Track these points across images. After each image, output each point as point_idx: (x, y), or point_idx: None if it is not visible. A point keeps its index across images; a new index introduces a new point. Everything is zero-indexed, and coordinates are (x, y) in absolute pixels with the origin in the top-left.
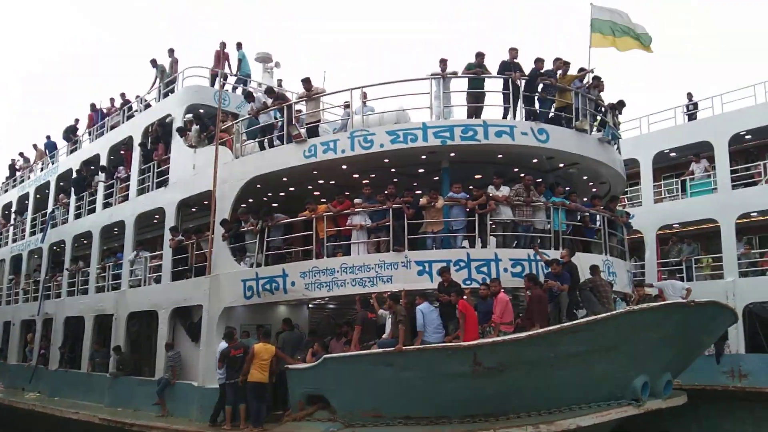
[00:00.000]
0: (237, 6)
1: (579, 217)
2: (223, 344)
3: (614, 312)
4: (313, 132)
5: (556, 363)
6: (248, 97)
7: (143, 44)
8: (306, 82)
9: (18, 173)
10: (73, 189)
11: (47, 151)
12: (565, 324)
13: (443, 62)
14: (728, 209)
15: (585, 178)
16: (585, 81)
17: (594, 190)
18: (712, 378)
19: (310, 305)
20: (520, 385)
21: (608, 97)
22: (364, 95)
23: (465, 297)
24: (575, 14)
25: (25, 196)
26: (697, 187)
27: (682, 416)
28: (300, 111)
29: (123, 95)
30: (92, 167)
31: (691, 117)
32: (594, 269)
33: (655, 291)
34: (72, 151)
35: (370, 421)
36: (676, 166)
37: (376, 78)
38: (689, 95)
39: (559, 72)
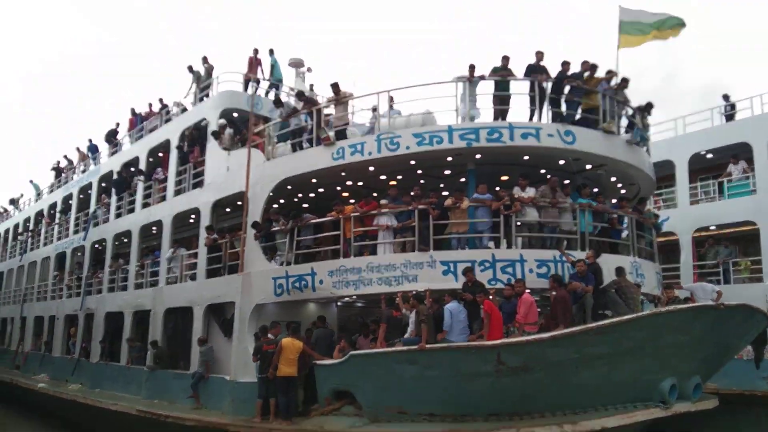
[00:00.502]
0: (237, 6)
1: (606, 219)
2: None
3: (640, 314)
4: (341, 135)
5: (581, 364)
6: (277, 103)
7: (143, 44)
8: (335, 86)
9: (63, 175)
10: (114, 189)
11: (90, 154)
12: (589, 325)
13: (472, 68)
14: None
15: (613, 179)
16: (612, 83)
17: (623, 191)
18: (751, 383)
19: (338, 303)
20: (544, 385)
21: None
22: (391, 99)
23: (490, 297)
24: (574, 14)
25: (69, 197)
26: (734, 189)
27: (718, 422)
28: (329, 115)
29: (161, 100)
30: (132, 169)
31: (729, 118)
32: (619, 271)
33: (686, 293)
34: (113, 154)
35: (394, 417)
36: (712, 167)
37: (377, 77)
38: (725, 96)
39: (586, 74)
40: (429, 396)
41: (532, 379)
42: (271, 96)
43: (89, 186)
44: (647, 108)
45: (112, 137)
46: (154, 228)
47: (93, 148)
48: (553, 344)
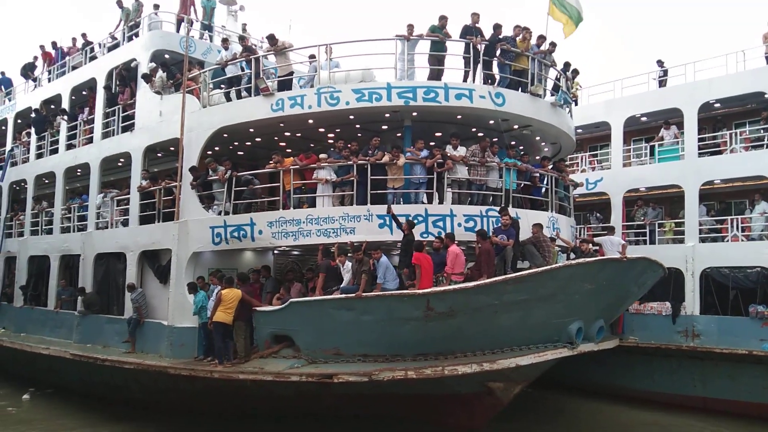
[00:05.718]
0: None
1: (528, 177)
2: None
3: (554, 265)
4: (284, 85)
5: (501, 309)
6: (224, 42)
7: None
8: (271, 38)
9: None
10: (33, 128)
11: (2, 87)
12: (509, 275)
13: (410, 27)
14: (693, 176)
15: (537, 138)
16: (542, 47)
17: (546, 150)
18: (668, 337)
19: (275, 251)
20: (468, 329)
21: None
22: (330, 51)
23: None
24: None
25: None
26: (665, 153)
27: (637, 371)
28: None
29: (84, 35)
30: (53, 106)
31: (661, 83)
32: (536, 226)
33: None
34: (31, 89)
35: (331, 359)
36: (646, 130)
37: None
38: (659, 62)
39: (518, 38)
40: (363, 339)
41: (457, 323)
42: (215, 42)
43: (4, 122)
44: (567, 69)
45: (29, 71)
46: (79, 170)
47: (6, 82)
48: (477, 292)
